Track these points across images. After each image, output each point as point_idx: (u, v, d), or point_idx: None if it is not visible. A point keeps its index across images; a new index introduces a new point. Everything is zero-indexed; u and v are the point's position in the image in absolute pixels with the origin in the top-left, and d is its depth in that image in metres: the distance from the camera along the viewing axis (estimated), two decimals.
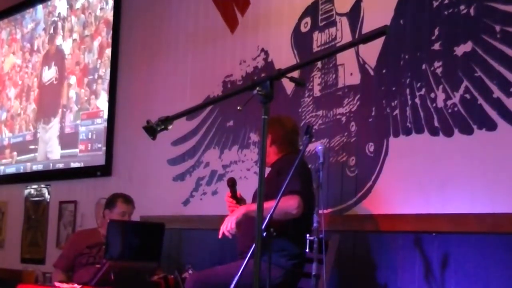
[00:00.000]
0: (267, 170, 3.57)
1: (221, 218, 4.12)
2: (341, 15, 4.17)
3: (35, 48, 7.42)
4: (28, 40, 7.55)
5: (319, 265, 3.04)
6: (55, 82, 6.95)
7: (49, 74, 7.11)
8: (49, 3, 7.24)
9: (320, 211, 3.07)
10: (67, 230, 6.26)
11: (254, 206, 3.25)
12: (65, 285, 3.95)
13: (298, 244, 3.41)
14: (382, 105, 3.83)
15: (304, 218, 3.39)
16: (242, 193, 3.72)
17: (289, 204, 3.25)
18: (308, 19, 4.38)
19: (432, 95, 3.59)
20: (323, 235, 3.06)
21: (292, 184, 3.09)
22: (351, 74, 4.04)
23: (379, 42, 3.84)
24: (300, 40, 4.41)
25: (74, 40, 6.80)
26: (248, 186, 3.92)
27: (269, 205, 2.74)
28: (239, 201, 3.68)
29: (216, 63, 5.01)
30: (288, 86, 4.39)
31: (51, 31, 7.17)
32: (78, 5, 6.79)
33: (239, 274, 2.79)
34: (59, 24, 7.08)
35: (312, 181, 3.50)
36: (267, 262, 2.90)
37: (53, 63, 7.05)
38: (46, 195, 6.61)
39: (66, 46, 6.89)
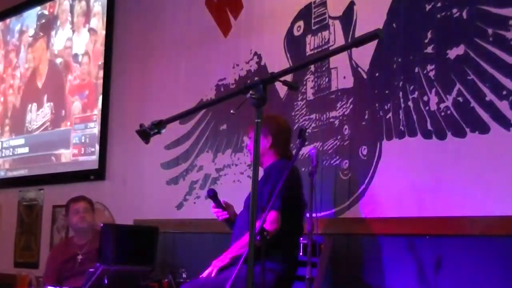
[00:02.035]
0: (262, 172, 3.56)
1: (214, 222, 4.13)
2: (334, 18, 4.17)
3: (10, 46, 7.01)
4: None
5: (313, 268, 3.05)
6: (50, 129, 6.16)
7: (40, 117, 6.07)
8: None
9: (314, 215, 3.07)
10: (60, 234, 6.24)
11: (235, 250, 3.34)
12: None
13: (291, 248, 3.42)
14: (375, 108, 3.84)
15: (295, 222, 3.39)
16: (236, 196, 3.71)
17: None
18: (301, 23, 4.39)
19: (425, 98, 3.59)
20: (316, 239, 3.06)
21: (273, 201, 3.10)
22: (344, 77, 4.05)
23: (372, 46, 3.84)
24: (293, 43, 4.41)
25: (91, 29, 6.00)
26: (241, 190, 3.92)
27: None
28: (226, 208, 3.67)
29: (209, 66, 5.01)
30: (281, 89, 4.39)
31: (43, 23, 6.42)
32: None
33: (232, 279, 2.78)
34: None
35: (300, 187, 3.49)
36: (259, 267, 2.90)
37: (45, 97, 6.22)
38: (40, 199, 6.59)
39: (79, 41, 6.27)
